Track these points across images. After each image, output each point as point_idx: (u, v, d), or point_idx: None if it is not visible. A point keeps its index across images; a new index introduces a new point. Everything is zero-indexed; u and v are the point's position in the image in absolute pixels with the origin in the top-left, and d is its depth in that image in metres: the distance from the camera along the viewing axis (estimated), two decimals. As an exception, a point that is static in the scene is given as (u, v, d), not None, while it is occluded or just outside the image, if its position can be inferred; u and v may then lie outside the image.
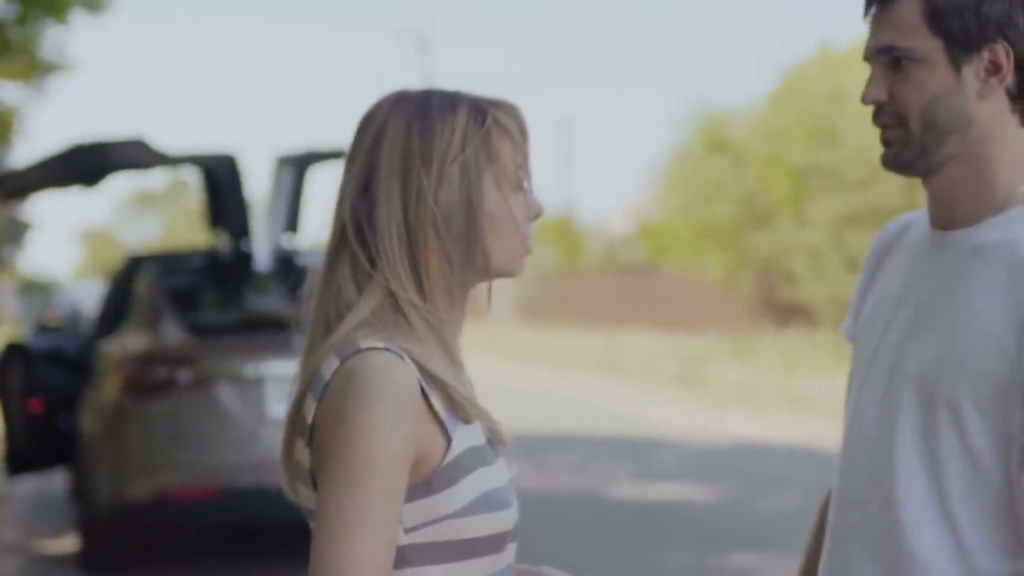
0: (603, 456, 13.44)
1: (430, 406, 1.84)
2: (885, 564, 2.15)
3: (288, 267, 8.91)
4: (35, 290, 55.71)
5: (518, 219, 1.93)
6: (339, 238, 1.91)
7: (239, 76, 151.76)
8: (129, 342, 8.45)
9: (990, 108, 2.09)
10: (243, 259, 8.95)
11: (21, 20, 12.99)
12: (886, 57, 2.12)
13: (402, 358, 1.82)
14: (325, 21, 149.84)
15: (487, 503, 1.86)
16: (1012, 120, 2.12)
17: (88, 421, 8.51)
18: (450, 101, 1.92)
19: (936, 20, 2.08)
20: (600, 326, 34.58)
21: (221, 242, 9.04)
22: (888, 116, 2.13)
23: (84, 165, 8.61)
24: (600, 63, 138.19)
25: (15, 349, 9.10)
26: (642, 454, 13.55)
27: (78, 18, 13.59)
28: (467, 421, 1.88)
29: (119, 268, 9.98)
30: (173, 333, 8.22)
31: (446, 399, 1.86)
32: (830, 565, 2.24)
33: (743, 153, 28.67)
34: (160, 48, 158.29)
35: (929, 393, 2.09)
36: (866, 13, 2.17)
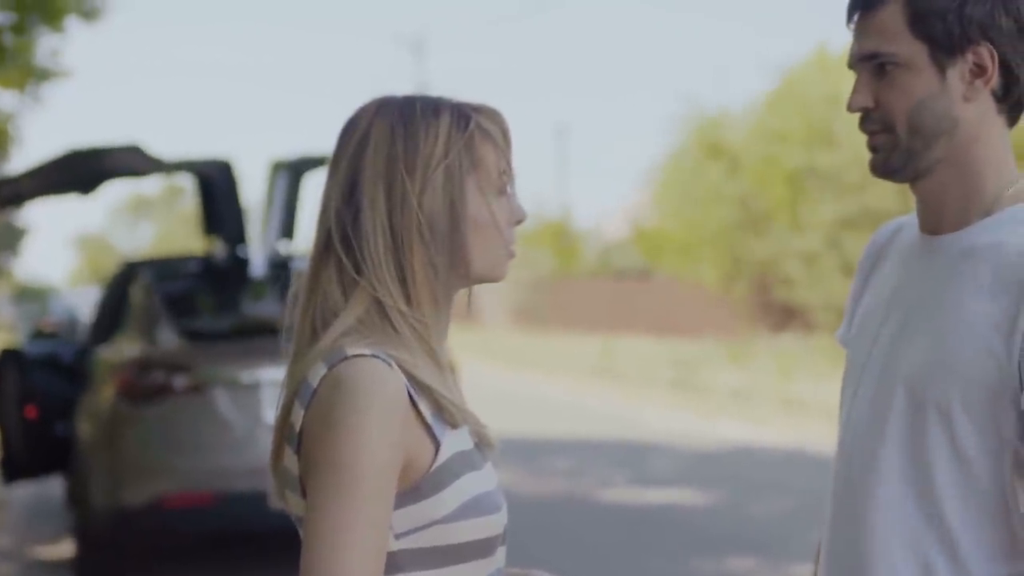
0: (598, 461, 13.45)
1: (418, 412, 1.84)
2: (862, 567, 2.16)
3: (284, 273, 8.91)
4: (31, 296, 55.65)
5: (501, 224, 1.94)
6: (324, 244, 1.91)
7: (234, 81, 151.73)
8: (125, 348, 8.45)
9: (976, 110, 2.10)
10: (239, 265, 8.96)
11: (16, 28, 12.99)
12: (870, 63, 2.12)
13: (389, 364, 1.82)
14: (321, 25, 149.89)
15: (476, 507, 1.86)
16: (998, 121, 2.13)
17: (84, 427, 8.51)
18: (433, 106, 1.93)
19: (919, 24, 2.08)
20: (595, 330, 34.58)
21: (217, 248, 9.04)
22: (875, 122, 2.13)
23: (80, 172, 8.61)
24: (596, 66, 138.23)
25: (11, 355, 9.10)
26: (637, 458, 13.56)
27: (73, 25, 13.58)
28: (454, 426, 1.89)
29: (114, 274, 9.98)
30: (169, 339, 8.22)
31: (433, 405, 1.87)
32: (827, 567, 2.25)
33: (739, 156, 28.68)
34: (155, 54, 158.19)
35: (919, 397, 2.09)
36: (849, 20, 2.18)
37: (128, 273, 9.53)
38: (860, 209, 23.22)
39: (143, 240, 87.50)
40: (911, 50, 2.09)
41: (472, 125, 1.92)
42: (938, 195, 2.15)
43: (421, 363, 1.87)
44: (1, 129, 15.17)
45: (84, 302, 31.25)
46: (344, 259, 1.89)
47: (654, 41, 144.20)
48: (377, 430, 1.77)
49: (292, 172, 9.29)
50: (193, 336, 8.30)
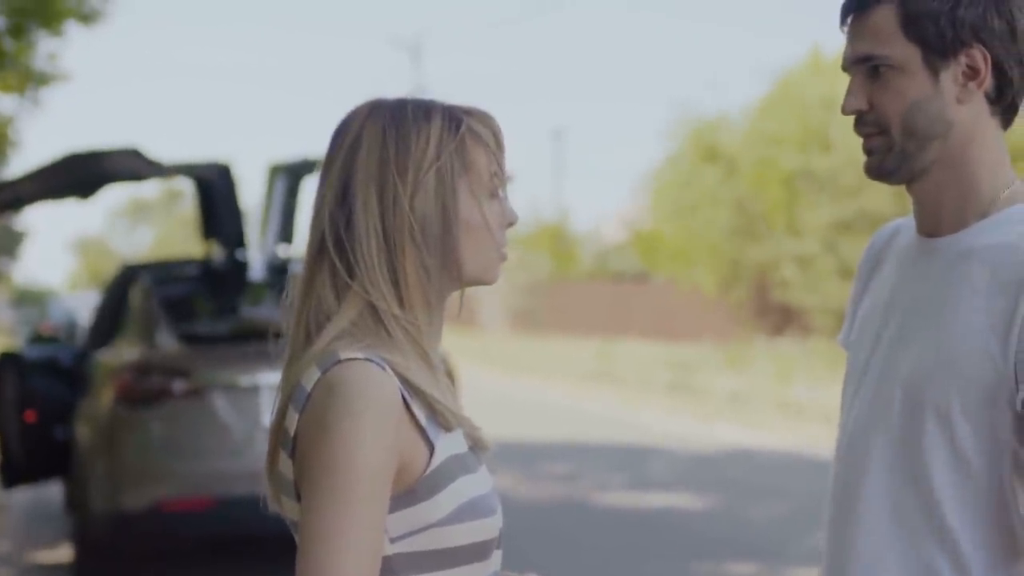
0: (596, 464, 13.45)
1: (412, 415, 1.84)
2: (863, 569, 2.18)
3: (283, 277, 8.91)
4: (30, 300, 55.64)
5: (492, 226, 1.94)
6: (317, 248, 1.92)
7: (233, 83, 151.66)
8: (124, 352, 8.45)
9: (970, 112, 2.11)
10: (238, 269, 8.96)
11: (15, 31, 12.99)
12: (864, 66, 2.14)
13: (383, 368, 1.82)
14: (319, 27, 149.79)
15: (471, 511, 1.87)
16: (992, 123, 2.14)
17: (83, 431, 8.50)
18: (424, 109, 1.93)
19: (912, 27, 2.09)
20: (593, 334, 34.58)
21: (215, 252, 9.04)
22: (869, 124, 2.15)
23: (79, 176, 8.59)
24: (593, 70, 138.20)
25: (10, 359, 9.08)
26: (635, 462, 13.56)
27: (72, 29, 13.57)
28: (448, 429, 1.89)
29: (113, 278, 9.97)
30: (168, 343, 8.22)
31: (427, 408, 1.87)
32: (828, 569, 2.26)
33: (735, 160, 28.69)
34: (154, 56, 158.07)
35: (917, 399, 2.10)
36: (843, 22, 2.19)
37: (127, 277, 9.52)
38: (856, 212, 23.23)
39: (142, 244, 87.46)
40: (904, 53, 2.10)
41: (463, 128, 1.93)
42: (934, 197, 2.16)
43: (414, 366, 1.87)
44: (0, 132, 15.16)
45: (83, 306, 31.23)
46: (337, 262, 1.89)
47: (651, 45, 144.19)
48: (371, 433, 1.77)
49: (291, 175, 9.29)
50: (192, 340, 8.30)
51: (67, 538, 9.54)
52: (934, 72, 2.09)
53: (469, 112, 1.95)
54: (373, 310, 1.88)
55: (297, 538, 1.79)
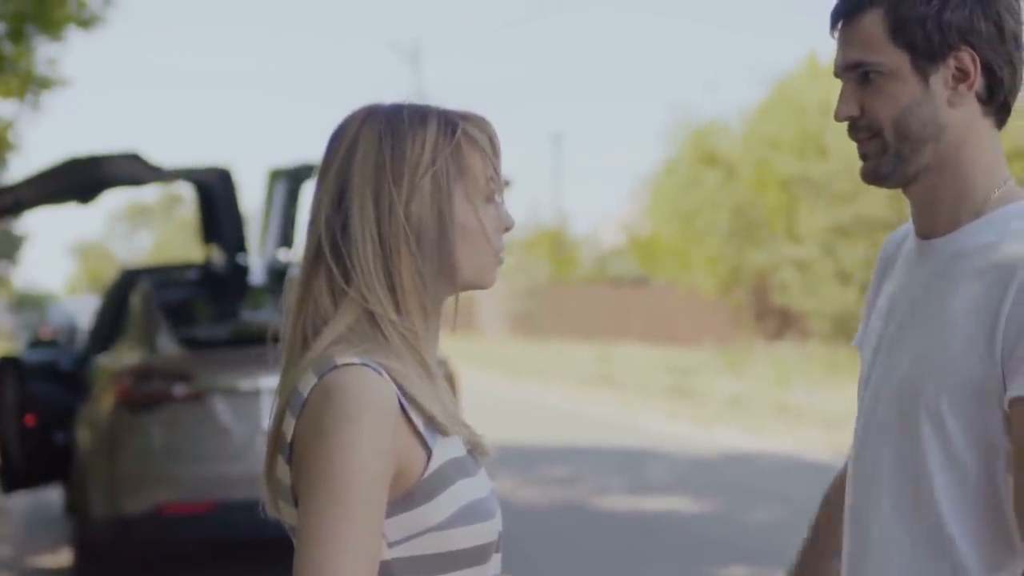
0: (595, 468, 13.45)
1: (409, 420, 1.84)
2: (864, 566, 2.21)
3: (283, 281, 8.90)
4: (29, 305, 55.65)
5: (489, 231, 1.95)
6: (314, 253, 1.92)
7: (233, 88, 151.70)
8: (124, 356, 8.45)
9: (961, 115, 2.12)
10: (238, 273, 8.97)
11: (14, 36, 13.00)
12: (855, 72, 2.15)
13: (380, 373, 1.82)
14: (320, 31, 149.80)
15: (470, 514, 1.87)
16: (985, 124, 2.15)
17: (83, 436, 8.51)
18: (420, 114, 1.93)
19: (899, 33, 2.11)
20: (592, 338, 34.58)
21: (216, 256, 9.05)
22: (862, 130, 2.16)
23: (79, 180, 8.60)
24: (591, 74, 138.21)
25: (10, 364, 9.08)
26: (634, 466, 13.57)
27: (72, 33, 13.57)
28: (446, 433, 1.89)
29: (113, 282, 9.97)
30: (168, 347, 8.22)
31: (425, 412, 1.87)
32: (848, 568, 2.27)
33: (733, 164, 28.71)
34: (153, 61, 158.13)
35: (912, 401, 2.12)
36: (832, 29, 2.20)
37: (127, 281, 9.52)
38: (853, 217, 23.25)
39: (142, 248, 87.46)
40: (894, 59, 2.11)
41: (459, 132, 1.93)
42: (929, 199, 2.17)
43: (411, 371, 1.88)
44: (0, 137, 15.17)
45: (83, 310, 31.23)
46: (334, 267, 1.90)
47: (649, 48, 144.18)
48: (368, 438, 1.77)
49: (291, 180, 9.30)
50: (192, 344, 8.30)
51: (67, 542, 9.55)
52: (924, 76, 2.11)
53: (465, 117, 1.96)
54: (370, 315, 1.89)
55: (295, 543, 1.80)
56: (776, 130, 26.30)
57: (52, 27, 13.09)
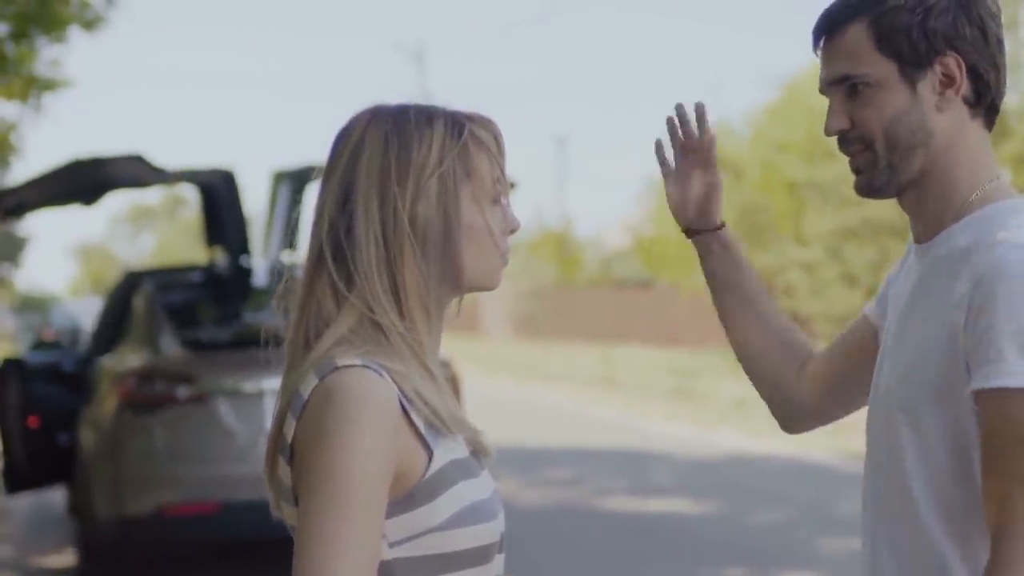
0: (598, 469, 13.46)
1: (410, 421, 1.84)
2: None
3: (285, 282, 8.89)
4: (32, 306, 55.69)
5: (495, 232, 1.94)
6: (317, 254, 1.92)
7: (237, 89, 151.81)
8: (127, 358, 8.46)
9: (949, 119, 2.16)
10: (241, 275, 8.97)
11: (17, 37, 13.00)
12: (843, 86, 2.18)
13: (380, 374, 1.82)
14: (323, 32, 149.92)
15: (471, 515, 1.87)
16: (974, 126, 2.18)
17: (86, 437, 8.51)
18: (427, 115, 1.93)
19: (886, 43, 2.14)
20: (596, 340, 34.60)
21: (219, 258, 9.05)
22: (853, 142, 2.20)
23: (82, 182, 8.60)
24: (596, 76, 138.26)
25: (12, 365, 9.09)
26: (637, 467, 13.57)
27: (74, 35, 13.57)
28: (448, 434, 1.89)
29: (116, 284, 9.98)
30: (171, 349, 8.23)
31: (426, 413, 1.86)
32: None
33: (739, 167, 28.70)
34: (157, 62, 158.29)
35: (896, 401, 2.16)
36: (815, 46, 2.24)
37: (130, 283, 9.53)
38: (860, 220, 23.25)
39: (144, 250, 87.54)
40: (881, 69, 2.14)
41: (466, 133, 1.92)
42: (920, 205, 2.21)
43: (413, 372, 1.87)
44: (3, 139, 15.18)
45: (85, 312, 31.24)
46: (337, 269, 1.89)
47: (654, 50, 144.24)
48: (368, 439, 1.76)
49: (294, 182, 9.30)
50: (195, 346, 8.31)
51: (70, 543, 9.55)
52: (911, 84, 2.14)
53: (471, 117, 1.95)
54: (372, 315, 1.88)
55: (295, 543, 1.80)
56: (784, 133, 26.30)
57: (55, 28, 13.09)
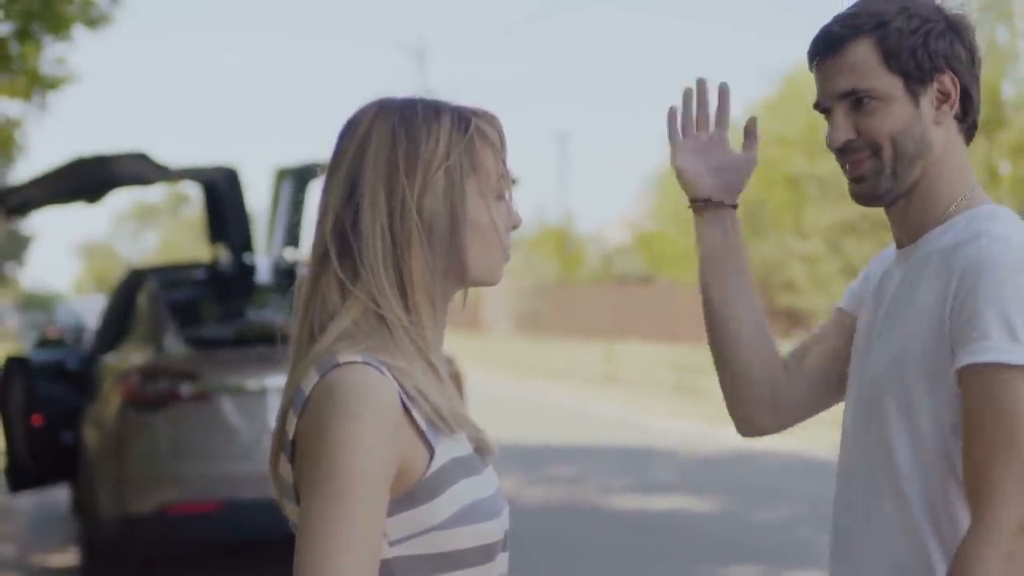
0: (600, 467, 13.47)
1: (411, 419, 1.84)
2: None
3: (289, 280, 8.90)
4: (36, 304, 55.71)
5: (500, 228, 1.94)
6: (323, 248, 1.91)
7: (240, 87, 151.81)
8: (131, 356, 8.45)
9: (944, 133, 2.31)
10: (244, 272, 8.97)
11: (21, 35, 13.00)
12: (848, 100, 2.30)
13: (381, 371, 1.82)
14: (326, 31, 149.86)
15: (472, 514, 1.86)
16: (959, 140, 2.34)
17: (90, 435, 8.51)
18: (434, 109, 1.93)
19: (893, 60, 2.28)
20: (598, 336, 34.58)
21: (222, 255, 9.05)
22: (859, 150, 2.31)
23: (86, 180, 8.60)
24: (597, 73, 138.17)
25: (16, 363, 9.09)
26: (640, 464, 13.58)
27: (79, 33, 13.56)
28: (450, 432, 1.88)
29: (120, 282, 9.97)
30: (175, 347, 8.22)
31: (428, 411, 1.86)
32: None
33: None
34: (160, 60, 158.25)
35: (881, 390, 2.28)
36: (813, 63, 2.36)
37: (134, 281, 9.52)
38: (860, 214, 23.25)
39: (148, 248, 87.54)
40: (888, 84, 2.28)
41: (472, 128, 1.92)
42: (906, 213, 2.35)
43: (417, 368, 1.87)
44: (7, 137, 15.18)
45: (89, 310, 31.25)
46: (342, 263, 1.89)
47: (654, 47, 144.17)
48: (368, 437, 1.76)
49: (297, 179, 9.30)
50: (199, 344, 8.30)
51: (74, 542, 9.56)
52: (915, 99, 2.28)
53: (476, 112, 1.95)
54: (377, 311, 1.88)
55: (296, 539, 1.80)
56: (783, 127, 26.30)
57: (59, 26, 13.08)
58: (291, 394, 1.86)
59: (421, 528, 1.83)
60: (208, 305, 9.09)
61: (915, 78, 2.28)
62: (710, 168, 2.58)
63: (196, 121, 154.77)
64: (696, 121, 2.59)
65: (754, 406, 2.59)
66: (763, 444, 14.88)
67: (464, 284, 1.95)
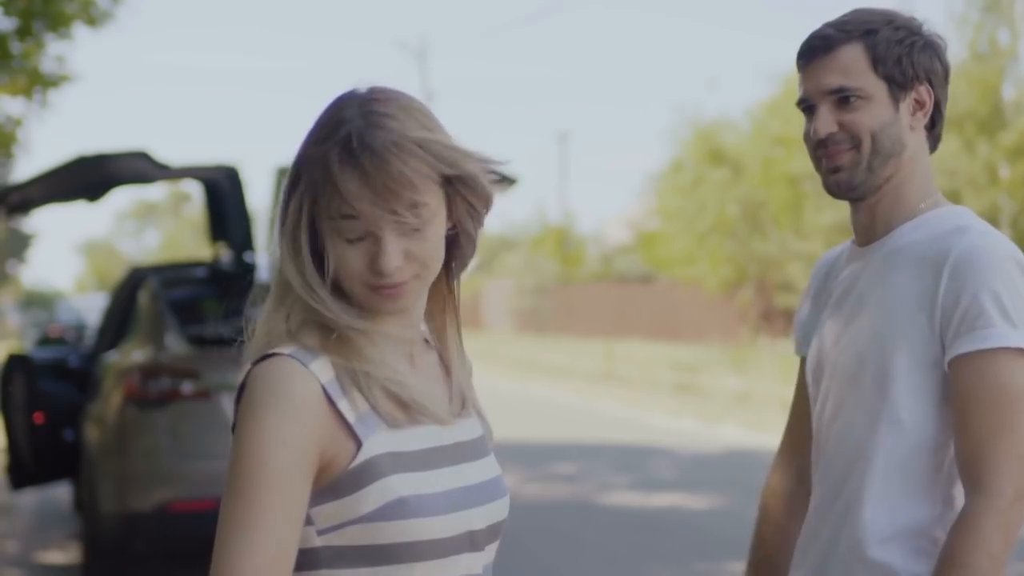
0: (600, 464, 13.49)
1: (337, 412, 1.84)
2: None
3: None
4: (37, 303, 55.70)
5: None
6: (280, 247, 2.05)
7: (241, 86, 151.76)
8: (132, 354, 8.46)
9: (916, 138, 2.51)
10: (246, 271, 8.98)
11: (22, 34, 13.01)
12: (834, 96, 2.48)
13: (304, 365, 1.84)
14: (327, 30, 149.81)
15: (400, 509, 1.84)
16: (926, 148, 2.55)
17: (92, 433, 8.53)
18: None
19: (880, 65, 2.47)
20: (598, 335, 34.60)
21: (223, 254, 9.07)
22: (840, 142, 2.48)
23: (87, 178, 8.60)
24: (598, 73, 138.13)
25: (18, 361, 9.10)
26: (639, 462, 13.60)
27: (80, 31, 13.58)
28: (393, 425, 1.88)
29: (122, 280, 9.98)
30: (176, 345, 8.23)
31: (362, 405, 1.86)
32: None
33: (740, 161, 28.70)
34: (161, 59, 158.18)
35: (858, 371, 2.45)
36: (805, 63, 2.51)
37: (135, 279, 9.53)
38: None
39: (149, 246, 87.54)
40: (873, 85, 2.47)
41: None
42: (874, 210, 2.53)
43: (368, 363, 1.88)
44: (8, 135, 15.19)
45: (91, 308, 31.24)
46: (295, 261, 1.98)
47: (655, 47, 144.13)
48: (275, 428, 1.78)
49: (298, 178, 9.31)
50: (200, 342, 8.32)
51: (76, 539, 9.59)
52: (896, 103, 2.48)
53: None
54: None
55: None
56: (783, 127, 26.31)
57: (60, 24, 13.11)
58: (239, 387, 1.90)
59: (345, 519, 1.83)
60: (209, 304, 9.10)
61: (898, 84, 2.47)
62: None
63: (197, 120, 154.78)
64: None
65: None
66: (761, 442, 14.91)
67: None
